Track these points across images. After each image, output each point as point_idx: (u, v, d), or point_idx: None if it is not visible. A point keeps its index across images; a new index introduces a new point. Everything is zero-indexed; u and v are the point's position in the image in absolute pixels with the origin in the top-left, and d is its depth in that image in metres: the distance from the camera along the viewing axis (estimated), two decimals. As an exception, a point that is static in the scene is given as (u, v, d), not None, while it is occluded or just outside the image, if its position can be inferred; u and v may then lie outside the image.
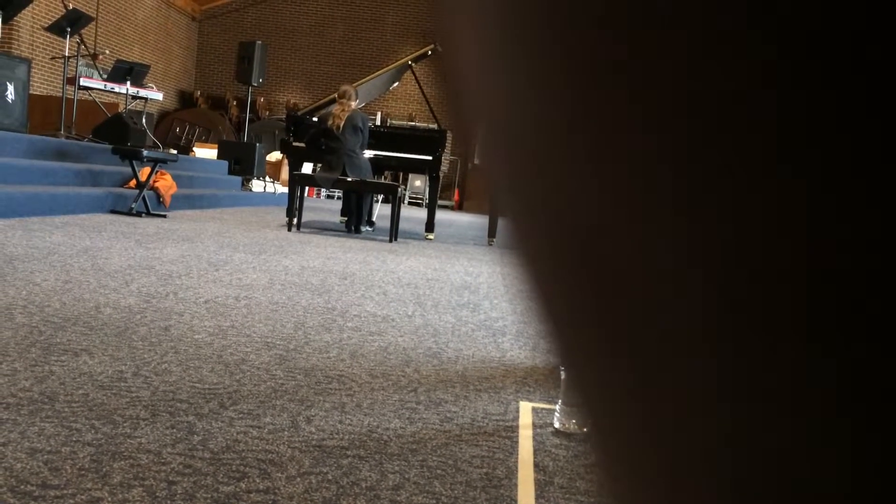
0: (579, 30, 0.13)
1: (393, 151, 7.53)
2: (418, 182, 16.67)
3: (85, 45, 9.17)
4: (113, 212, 6.49)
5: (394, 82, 8.95)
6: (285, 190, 9.36)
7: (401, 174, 15.15)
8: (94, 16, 11.36)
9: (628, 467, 0.16)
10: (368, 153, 7.20)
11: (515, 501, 1.47)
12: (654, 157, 0.13)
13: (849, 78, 0.11)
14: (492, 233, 7.65)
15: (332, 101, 7.38)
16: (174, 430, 1.62)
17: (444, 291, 4.07)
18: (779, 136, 0.11)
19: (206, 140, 14.80)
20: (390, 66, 8.51)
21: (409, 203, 16.55)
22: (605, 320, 0.15)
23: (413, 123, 15.65)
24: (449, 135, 7.49)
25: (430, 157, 7.40)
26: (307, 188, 8.84)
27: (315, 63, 17.87)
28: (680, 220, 0.13)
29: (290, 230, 6.71)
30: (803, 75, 0.11)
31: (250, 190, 10.59)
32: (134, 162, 6.57)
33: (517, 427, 1.90)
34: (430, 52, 8.12)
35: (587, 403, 0.16)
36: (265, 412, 1.80)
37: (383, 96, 14.28)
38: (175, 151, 10.23)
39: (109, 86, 9.40)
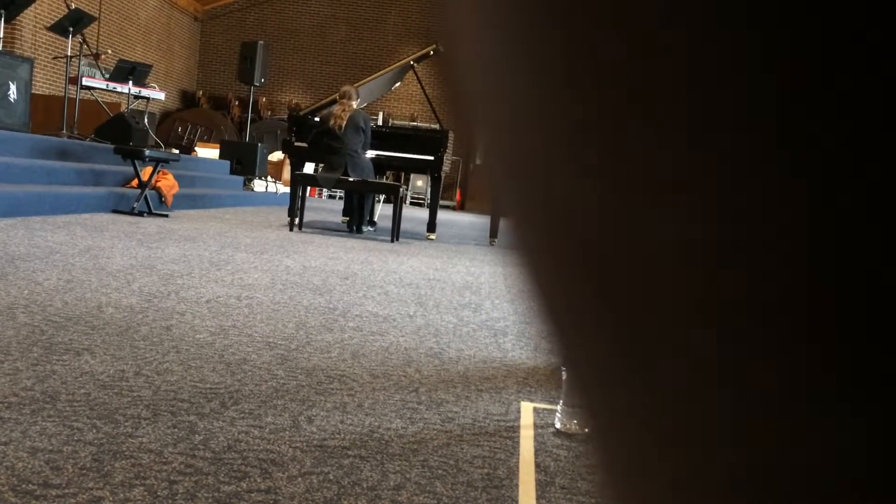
0: (579, 30, 0.13)
1: (395, 152, 7.53)
2: (420, 182, 16.67)
3: (87, 45, 9.18)
4: (115, 211, 6.50)
5: (396, 82, 8.94)
6: (287, 190, 9.36)
7: (402, 174, 15.16)
8: (97, 15, 11.37)
9: (630, 468, 0.16)
10: (370, 153, 7.20)
11: (516, 502, 1.47)
12: (654, 157, 0.13)
13: (848, 78, 0.11)
14: (493, 233, 7.65)
15: (334, 102, 7.38)
16: (176, 430, 1.62)
17: (446, 291, 4.07)
18: (779, 136, 0.11)
19: (207, 140, 14.81)
20: (392, 67, 8.50)
21: (411, 203, 16.55)
22: (607, 320, 0.15)
23: (415, 124, 15.65)
24: (451, 135, 7.48)
25: (431, 158, 7.40)
26: (309, 188, 8.84)
27: (317, 63, 17.88)
28: (680, 220, 0.13)
29: (291, 230, 6.71)
30: (803, 75, 0.11)
31: (252, 190, 10.60)
32: (136, 162, 6.57)
33: (518, 427, 1.90)
34: (431, 53, 8.12)
35: (588, 404, 0.16)
36: (266, 412, 1.80)
37: (385, 96, 14.28)
38: (177, 151, 10.26)
39: (112, 85, 9.42)
